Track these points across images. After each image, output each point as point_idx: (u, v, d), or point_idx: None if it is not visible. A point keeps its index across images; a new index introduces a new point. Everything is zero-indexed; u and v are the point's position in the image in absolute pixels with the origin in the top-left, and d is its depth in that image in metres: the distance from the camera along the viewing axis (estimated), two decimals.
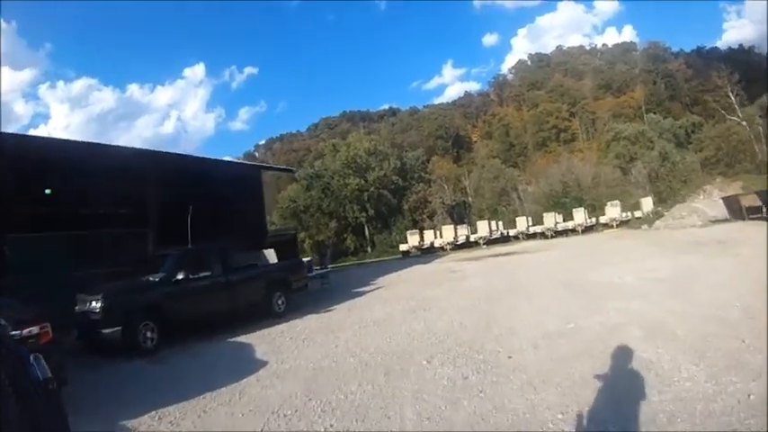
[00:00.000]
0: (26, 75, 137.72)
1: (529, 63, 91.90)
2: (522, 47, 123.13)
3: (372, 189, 49.04)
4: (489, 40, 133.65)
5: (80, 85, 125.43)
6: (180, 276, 10.37)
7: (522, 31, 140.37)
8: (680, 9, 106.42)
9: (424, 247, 35.87)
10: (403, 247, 36.36)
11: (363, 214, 49.69)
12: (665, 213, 30.72)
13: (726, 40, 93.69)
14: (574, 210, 36.95)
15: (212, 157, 18.81)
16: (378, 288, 15.17)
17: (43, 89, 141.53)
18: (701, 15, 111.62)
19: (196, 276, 10.59)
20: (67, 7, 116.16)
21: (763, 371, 4.54)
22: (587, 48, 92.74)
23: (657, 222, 29.07)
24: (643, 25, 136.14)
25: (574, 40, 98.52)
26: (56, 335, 6.03)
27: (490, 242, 34.37)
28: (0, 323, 1.17)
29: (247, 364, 7.39)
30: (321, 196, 49.79)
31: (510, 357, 6.18)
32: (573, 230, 34.82)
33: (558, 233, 34.75)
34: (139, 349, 8.94)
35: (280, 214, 53.95)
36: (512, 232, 37.39)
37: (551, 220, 36.18)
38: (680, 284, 9.48)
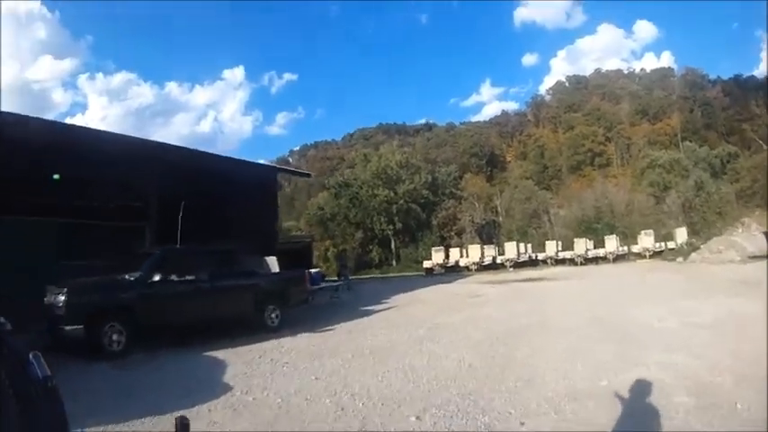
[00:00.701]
0: (66, 64, 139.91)
1: (567, 85, 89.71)
2: (560, 68, 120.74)
3: (401, 202, 47.50)
4: (529, 60, 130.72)
5: (119, 78, 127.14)
6: (157, 278, 9.18)
7: (561, 53, 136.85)
8: (718, 36, 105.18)
9: (449, 265, 34.05)
10: (426, 264, 34.53)
11: (390, 227, 48.17)
12: (701, 246, 28.19)
13: (763, 70, 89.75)
14: (606, 237, 34.63)
15: (223, 155, 17.74)
16: (390, 308, 13.66)
17: (82, 79, 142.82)
18: (739, 43, 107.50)
19: (177, 279, 9.39)
20: (111, 2, 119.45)
21: None
22: (625, 72, 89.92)
23: (693, 255, 26.61)
24: (681, 51, 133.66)
25: (612, 64, 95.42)
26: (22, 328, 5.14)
27: (517, 265, 32.39)
28: None
29: (209, 388, 6.24)
30: (349, 205, 48.50)
31: (522, 424, 4.68)
32: (604, 258, 32.53)
33: (587, 260, 32.57)
34: (104, 351, 8.01)
35: (306, 221, 53.08)
36: (540, 256, 35.16)
37: (582, 246, 33.93)
38: (728, 333, 7.87)
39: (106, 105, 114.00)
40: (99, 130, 14.46)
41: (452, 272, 32.32)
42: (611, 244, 33.31)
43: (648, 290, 14.31)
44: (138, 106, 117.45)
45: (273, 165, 19.64)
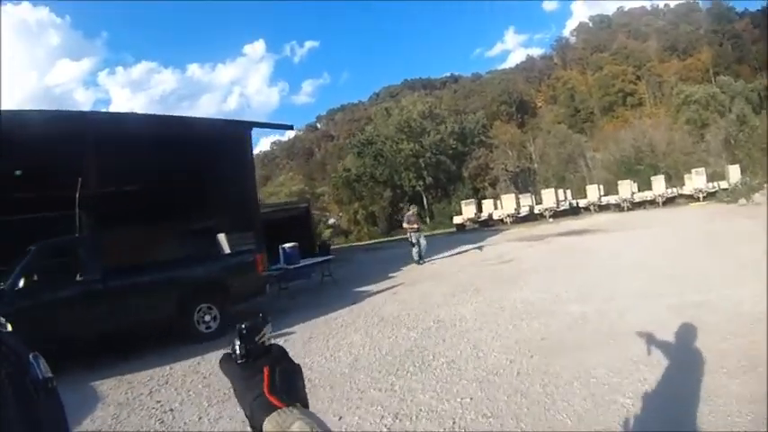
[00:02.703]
0: (85, 64, 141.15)
1: (590, 25, 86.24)
2: (581, 12, 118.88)
3: (429, 154, 43.44)
4: (549, 5, 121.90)
5: (140, 69, 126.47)
6: (26, 283, 6.24)
7: None
8: None
9: (482, 219, 30.01)
10: (457, 220, 30.65)
11: (420, 182, 44.39)
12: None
13: None
14: (652, 178, 30.25)
15: (177, 114, 14.42)
16: (389, 288, 9.93)
17: (102, 76, 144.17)
18: None
19: (57, 283, 6.45)
20: None
21: None
22: (649, 8, 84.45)
23: (756, 196, 21.67)
24: None
25: (635, 2, 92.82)
26: None
27: (557, 214, 28.22)
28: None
29: None
30: (374, 164, 44.84)
31: None
32: (651, 202, 28.32)
33: (634, 205, 28.35)
34: None
35: (333, 184, 49.95)
36: (581, 203, 31.04)
37: (627, 189, 29.46)
38: None
39: (130, 97, 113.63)
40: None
41: (486, 226, 28.53)
42: (659, 185, 29.18)
43: (739, 248, 9.05)
44: (162, 93, 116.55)
45: (245, 120, 15.86)
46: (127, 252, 8.37)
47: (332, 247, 43.28)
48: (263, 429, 0.68)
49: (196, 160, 12.25)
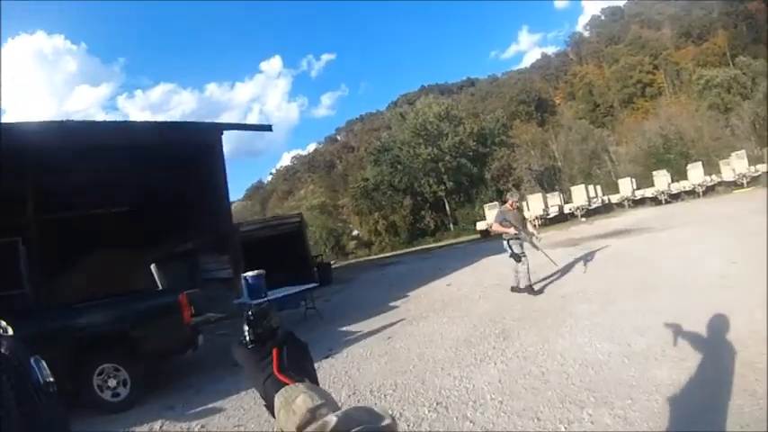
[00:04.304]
0: (103, 90, 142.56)
1: (603, 18, 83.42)
2: (591, 9, 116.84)
3: (448, 158, 40.56)
4: (560, 4, 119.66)
5: (158, 91, 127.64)
6: None
7: None
8: None
9: None
10: (480, 225, 27.66)
11: (441, 187, 41.54)
12: None
13: None
14: (689, 166, 27.20)
15: (138, 120, 12.24)
16: (384, 328, 7.22)
17: (121, 100, 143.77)
18: None
19: None
20: (133, 23, 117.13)
21: None
22: None
23: None
24: None
25: None
26: None
27: (589, 213, 25.16)
28: (0, 325, 0.91)
29: None
30: (392, 171, 42.22)
31: None
32: (690, 192, 25.51)
33: (672, 197, 25.58)
34: None
35: (352, 195, 47.67)
36: (613, 198, 28.04)
37: (663, 180, 26.42)
38: None
39: (150, 119, 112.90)
40: None
41: None
42: (696, 174, 26.18)
43: None
44: (181, 114, 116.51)
45: (214, 122, 13.54)
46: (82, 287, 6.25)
47: (350, 255, 41.55)
48: (275, 404, 0.72)
49: (158, 173, 10.01)
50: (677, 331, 4.35)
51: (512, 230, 7.79)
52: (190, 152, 9.99)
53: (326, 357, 6.05)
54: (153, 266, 6.49)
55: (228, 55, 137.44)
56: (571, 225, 22.01)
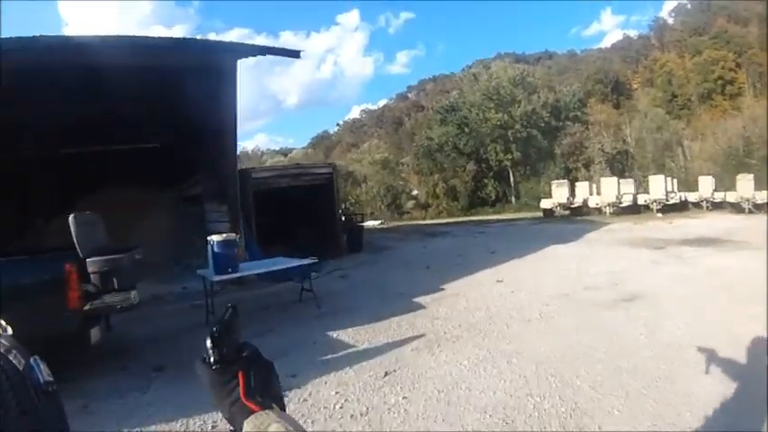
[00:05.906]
0: (177, 31, 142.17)
1: (689, 6, 74.00)
2: None
3: (518, 126, 36.77)
4: None
5: (233, 35, 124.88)
6: None
7: None
8: None
9: (574, 205, 23.62)
10: (545, 204, 24.39)
11: (507, 156, 37.94)
12: None
13: None
14: None
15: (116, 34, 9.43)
16: (393, 349, 4.92)
17: None
18: None
19: None
20: None
21: None
22: None
23: None
24: None
25: None
26: None
27: (665, 209, 21.39)
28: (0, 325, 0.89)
29: None
30: (458, 133, 38.87)
31: None
32: None
33: (755, 206, 21.02)
34: None
35: (414, 153, 44.89)
36: (690, 197, 24.03)
37: (747, 186, 21.98)
38: None
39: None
40: None
41: (579, 214, 22.51)
42: None
43: None
44: (256, 59, 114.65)
45: (231, 43, 11.04)
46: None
47: (405, 215, 39.36)
48: (243, 430, 0.69)
49: (162, 103, 7.96)
50: None
51: None
52: (199, 77, 7.82)
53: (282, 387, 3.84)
54: (71, 218, 4.34)
55: (306, 3, 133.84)
56: (648, 219, 18.44)
